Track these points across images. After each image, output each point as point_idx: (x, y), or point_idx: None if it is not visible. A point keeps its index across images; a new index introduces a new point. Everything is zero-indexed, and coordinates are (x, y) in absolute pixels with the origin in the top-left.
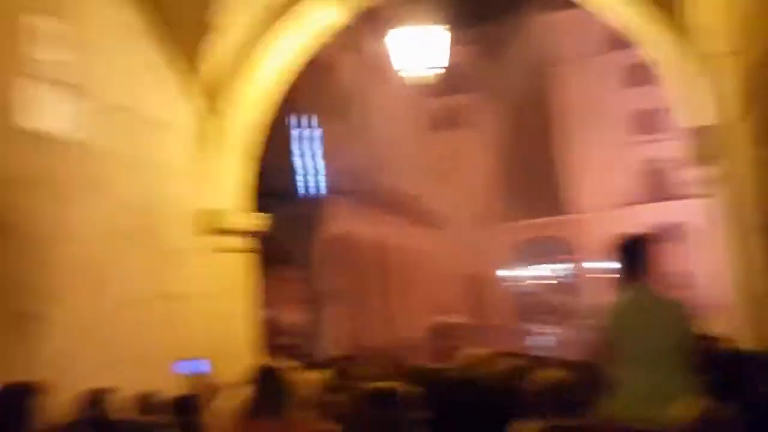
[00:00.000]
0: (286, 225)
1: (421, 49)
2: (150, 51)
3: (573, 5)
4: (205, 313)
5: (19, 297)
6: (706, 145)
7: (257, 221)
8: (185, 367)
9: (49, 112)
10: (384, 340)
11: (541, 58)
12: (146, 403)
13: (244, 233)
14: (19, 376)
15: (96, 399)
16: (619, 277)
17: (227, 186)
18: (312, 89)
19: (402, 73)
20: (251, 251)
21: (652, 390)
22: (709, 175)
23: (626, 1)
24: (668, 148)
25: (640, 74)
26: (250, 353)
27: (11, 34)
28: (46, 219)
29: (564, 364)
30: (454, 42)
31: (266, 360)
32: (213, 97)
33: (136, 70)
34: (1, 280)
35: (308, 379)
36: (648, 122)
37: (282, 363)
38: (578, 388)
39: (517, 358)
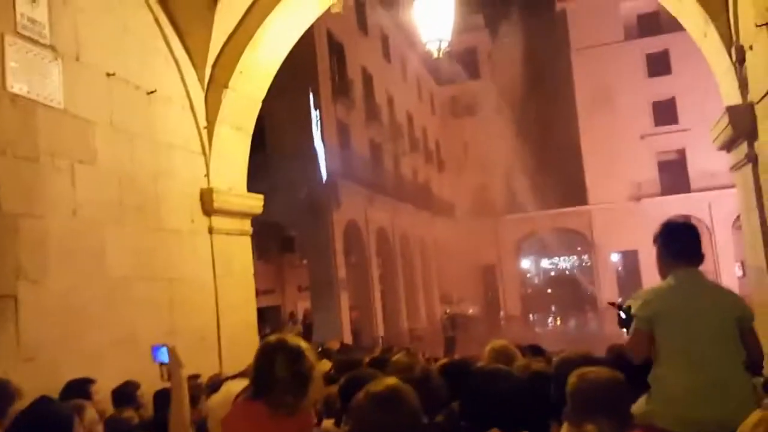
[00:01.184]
0: (292, 210)
1: (437, 19)
2: (148, 20)
3: None
4: (201, 297)
5: None
6: (736, 125)
7: (254, 202)
8: (157, 354)
9: (36, 76)
10: (395, 330)
11: (561, 45)
12: (123, 395)
13: (242, 214)
14: None
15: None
16: (666, 263)
17: (227, 164)
18: (324, 72)
19: (426, 44)
20: (249, 234)
21: (706, 388)
22: (737, 159)
23: None
24: (689, 139)
25: (661, 64)
26: (249, 339)
27: None
28: (24, 190)
29: (589, 360)
30: (470, 27)
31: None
32: (214, 69)
33: (132, 38)
34: None
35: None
36: (669, 112)
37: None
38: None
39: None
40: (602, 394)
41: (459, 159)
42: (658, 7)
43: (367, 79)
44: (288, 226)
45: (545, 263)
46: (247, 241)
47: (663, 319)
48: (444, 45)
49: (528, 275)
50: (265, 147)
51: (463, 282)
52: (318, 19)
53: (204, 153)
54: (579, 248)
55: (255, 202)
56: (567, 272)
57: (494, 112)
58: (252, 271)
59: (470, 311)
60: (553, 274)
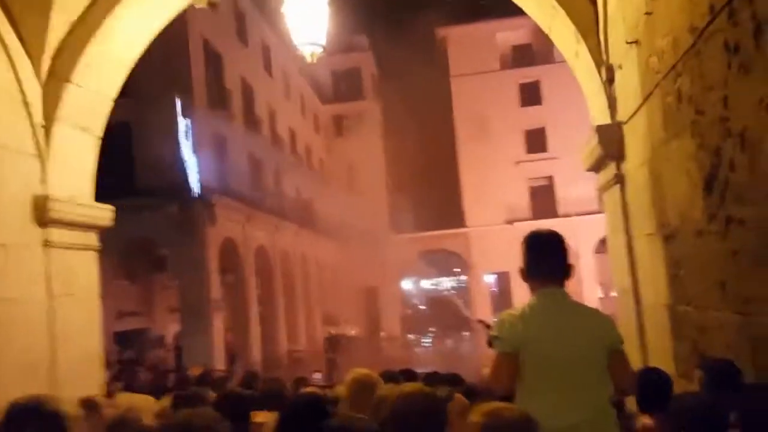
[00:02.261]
0: (164, 227)
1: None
2: None
3: (476, 18)
4: (30, 320)
5: None
6: (605, 144)
7: (102, 213)
8: None
9: None
10: (273, 352)
11: (442, 71)
12: None
13: (86, 227)
14: None
15: None
16: (531, 278)
17: (69, 169)
18: (199, 80)
19: (299, 48)
20: (95, 249)
21: (571, 412)
22: (606, 179)
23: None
24: (557, 167)
25: (533, 94)
26: (91, 370)
27: None
28: None
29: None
30: (355, 48)
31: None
32: (54, 61)
33: None
34: None
35: (144, 407)
36: (539, 141)
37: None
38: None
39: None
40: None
41: (342, 178)
42: (532, 39)
43: (247, 91)
44: (159, 244)
45: (425, 284)
46: (92, 257)
47: (527, 345)
48: (318, 50)
49: (409, 296)
50: (132, 158)
51: (345, 302)
52: (194, 27)
53: (40, 155)
54: (457, 269)
55: (103, 213)
56: (445, 293)
57: (378, 134)
58: (97, 291)
59: (352, 332)
60: (432, 295)
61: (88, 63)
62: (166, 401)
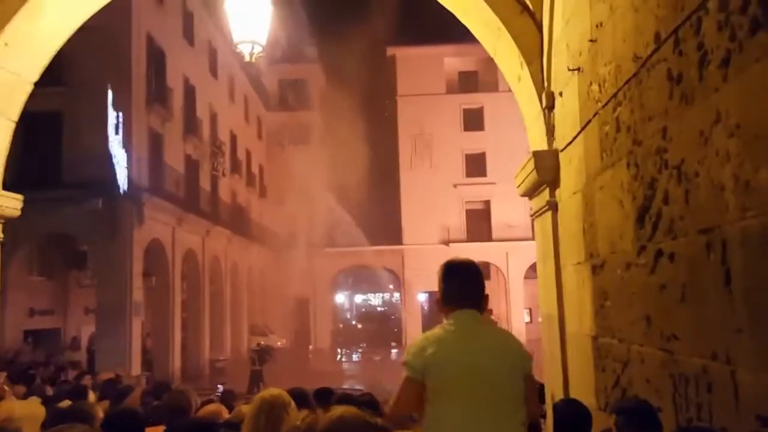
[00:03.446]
0: (87, 222)
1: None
2: None
3: (425, 41)
4: None
5: None
6: (541, 171)
7: (9, 202)
8: None
9: None
10: (195, 360)
11: (389, 90)
12: None
13: None
14: None
15: None
16: (445, 305)
17: None
18: (139, 76)
19: (238, 46)
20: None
21: None
22: (539, 206)
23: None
24: (494, 192)
25: (475, 119)
26: None
27: None
28: None
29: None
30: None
31: None
32: None
33: None
34: None
35: (29, 416)
36: (479, 165)
37: None
38: None
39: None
40: None
41: (282, 187)
42: (478, 67)
43: (189, 91)
44: (80, 241)
45: (358, 299)
46: None
47: (437, 370)
48: (258, 49)
49: (341, 310)
50: (60, 149)
51: (274, 313)
52: (138, 21)
53: None
54: (391, 286)
55: (9, 203)
56: (378, 308)
57: (322, 146)
58: None
59: (278, 344)
60: (364, 310)
61: (7, 42)
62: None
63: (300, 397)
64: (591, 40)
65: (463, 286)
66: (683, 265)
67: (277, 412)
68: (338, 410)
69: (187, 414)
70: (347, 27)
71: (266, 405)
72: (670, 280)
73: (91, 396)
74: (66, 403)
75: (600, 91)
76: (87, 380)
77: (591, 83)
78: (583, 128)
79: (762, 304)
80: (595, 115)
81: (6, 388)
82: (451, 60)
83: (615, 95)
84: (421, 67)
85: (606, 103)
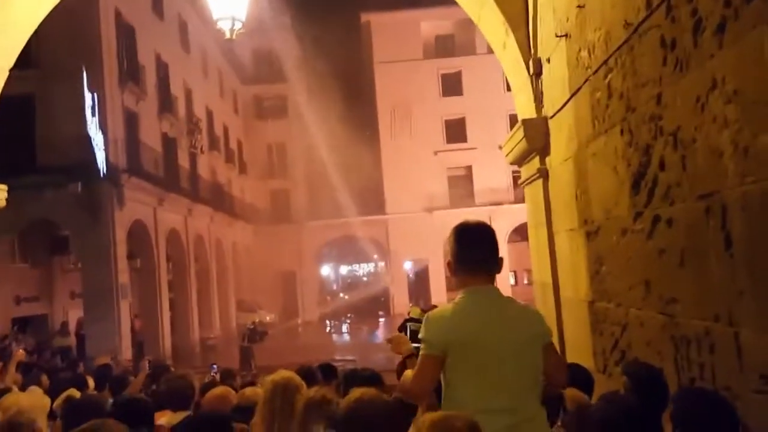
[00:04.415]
0: (67, 207)
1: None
2: None
3: (402, 6)
4: None
5: None
6: (531, 139)
7: None
8: None
9: None
10: (185, 340)
11: (366, 57)
12: None
13: None
14: None
15: None
16: (460, 274)
17: None
18: (109, 54)
19: (218, 22)
20: None
21: (504, 415)
22: (529, 173)
23: None
24: (475, 157)
25: (454, 84)
26: None
27: None
28: None
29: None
30: (277, 27)
31: None
32: None
33: None
34: None
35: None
36: (459, 131)
37: None
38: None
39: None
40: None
41: (262, 162)
42: (455, 30)
43: (162, 68)
44: (62, 226)
45: (344, 270)
46: None
47: (457, 346)
48: (237, 26)
49: (327, 282)
50: (34, 134)
51: (261, 288)
52: None
53: None
54: (376, 256)
55: None
56: (364, 279)
57: (300, 117)
58: None
59: (268, 319)
60: (350, 281)
61: None
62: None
63: (307, 375)
64: (579, 6)
65: (477, 250)
66: (682, 230)
67: (291, 395)
68: (357, 392)
69: (190, 399)
70: None
71: (279, 388)
72: (669, 245)
73: (90, 382)
74: (74, 393)
75: (590, 57)
76: (80, 367)
77: (580, 49)
78: (573, 95)
79: (764, 267)
80: (585, 82)
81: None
82: (428, 24)
83: (606, 62)
84: (397, 32)
85: (596, 70)
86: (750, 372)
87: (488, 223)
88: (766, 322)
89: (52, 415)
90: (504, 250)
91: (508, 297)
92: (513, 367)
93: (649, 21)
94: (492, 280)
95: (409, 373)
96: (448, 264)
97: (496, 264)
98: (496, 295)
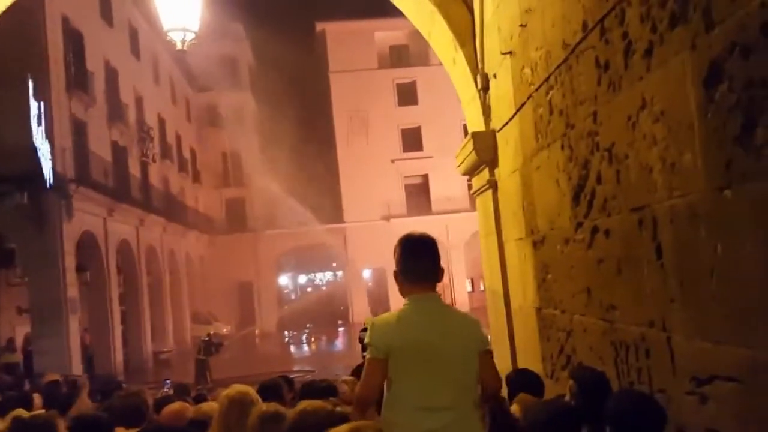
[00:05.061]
0: (13, 218)
1: (182, 8)
2: None
3: (356, 16)
4: None
5: None
6: (480, 151)
7: None
8: None
9: None
10: (137, 354)
11: (321, 66)
12: None
13: None
14: None
15: None
16: (404, 282)
17: None
18: (56, 61)
19: (168, 33)
20: None
21: (439, 414)
22: (479, 184)
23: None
24: (431, 166)
25: (409, 94)
26: None
27: None
28: None
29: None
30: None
31: None
32: None
33: None
34: None
35: None
36: (415, 140)
37: None
38: None
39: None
40: None
41: (216, 171)
42: (409, 41)
43: (111, 75)
44: (5, 236)
45: (302, 279)
46: None
47: (398, 350)
48: (189, 37)
49: (285, 291)
50: None
51: (217, 299)
52: (52, 3)
53: None
54: (334, 264)
55: None
56: (323, 288)
57: (255, 125)
58: None
59: (224, 330)
60: (309, 290)
61: None
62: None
63: (272, 389)
64: (521, 25)
65: (419, 260)
66: (618, 240)
67: (245, 409)
68: (303, 404)
69: (143, 415)
70: (273, 1)
71: (235, 403)
72: (607, 254)
73: (37, 400)
74: (22, 412)
75: (532, 74)
76: (26, 384)
77: (523, 67)
78: (518, 110)
79: (691, 276)
80: (529, 98)
81: None
82: (382, 34)
83: (547, 79)
84: (351, 42)
85: (539, 87)
86: (682, 375)
87: (430, 235)
88: (694, 327)
89: None
90: (461, 257)
91: (448, 305)
92: (451, 368)
93: (585, 42)
94: (434, 288)
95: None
96: (395, 273)
97: (438, 273)
98: (437, 302)
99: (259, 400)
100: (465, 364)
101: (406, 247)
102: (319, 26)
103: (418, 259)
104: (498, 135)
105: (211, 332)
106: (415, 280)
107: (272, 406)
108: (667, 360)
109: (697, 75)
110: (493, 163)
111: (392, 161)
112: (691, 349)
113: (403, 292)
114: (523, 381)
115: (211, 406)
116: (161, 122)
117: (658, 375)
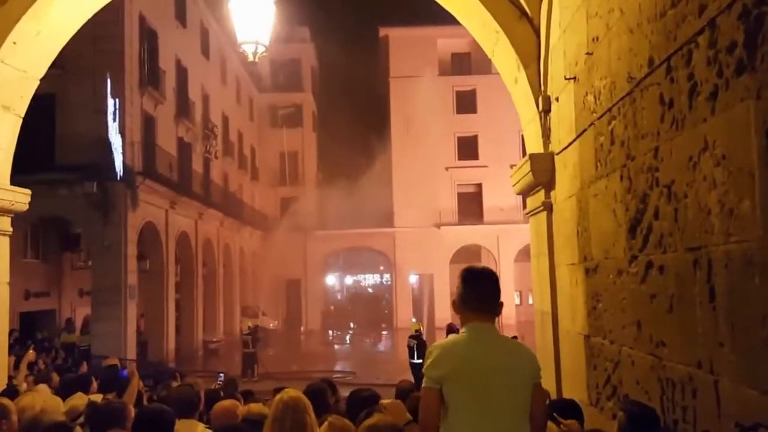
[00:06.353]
0: (81, 206)
1: (256, 21)
2: None
3: (420, 22)
4: None
5: None
6: (537, 173)
7: (17, 197)
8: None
9: None
10: (188, 342)
11: (382, 71)
12: None
13: (0, 212)
14: None
15: None
16: (463, 311)
17: None
18: (131, 59)
19: (242, 46)
20: (7, 234)
21: None
22: (534, 205)
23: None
24: (485, 175)
25: (468, 102)
26: None
27: None
28: None
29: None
30: (296, 38)
31: None
32: None
33: None
34: None
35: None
36: (471, 148)
37: None
38: None
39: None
40: None
41: (273, 169)
42: (471, 48)
43: (182, 73)
44: (73, 223)
45: (349, 280)
46: (2, 243)
47: (453, 379)
48: (261, 50)
49: (332, 291)
50: (53, 132)
51: (266, 295)
52: (131, 2)
53: None
54: (381, 268)
55: (18, 197)
56: (369, 290)
57: (314, 127)
58: (7, 279)
59: (271, 325)
60: (355, 291)
61: (15, 41)
62: (78, 400)
63: (318, 393)
64: (587, 53)
65: (482, 294)
66: (672, 277)
67: (300, 416)
68: (371, 420)
69: (195, 407)
70: (340, 7)
71: (290, 409)
72: (660, 290)
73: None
74: (97, 397)
75: (595, 102)
76: (84, 367)
77: (587, 93)
78: (578, 136)
79: (742, 322)
80: (590, 125)
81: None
82: (444, 42)
83: (610, 109)
84: (414, 48)
85: (601, 116)
86: (727, 419)
87: (493, 270)
88: (742, 374)
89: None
90: (510, 270)
91: (505, 336)
92: (505, 399)
93: (651, 78)
94: (492, 320)
95: None
96: (453, 303)
97: (497, 307)
98: (494, 333)
99: (310, 406)
100: (519, 395)
101: (468, 278)
102: (383, 32)
103: (480, 290)
104: (556, 158)
105: (251, 324)
106: (475, 309)
107: (340, 420)
108: (713, 402)
109: (761, 124)
110: (549, 185)
111: (446, 168)
112: (738, 395)
113: (462, 320)
114: (567, 409)
115: (259, 407)
116: (225, 120)
117: (703, 416)
